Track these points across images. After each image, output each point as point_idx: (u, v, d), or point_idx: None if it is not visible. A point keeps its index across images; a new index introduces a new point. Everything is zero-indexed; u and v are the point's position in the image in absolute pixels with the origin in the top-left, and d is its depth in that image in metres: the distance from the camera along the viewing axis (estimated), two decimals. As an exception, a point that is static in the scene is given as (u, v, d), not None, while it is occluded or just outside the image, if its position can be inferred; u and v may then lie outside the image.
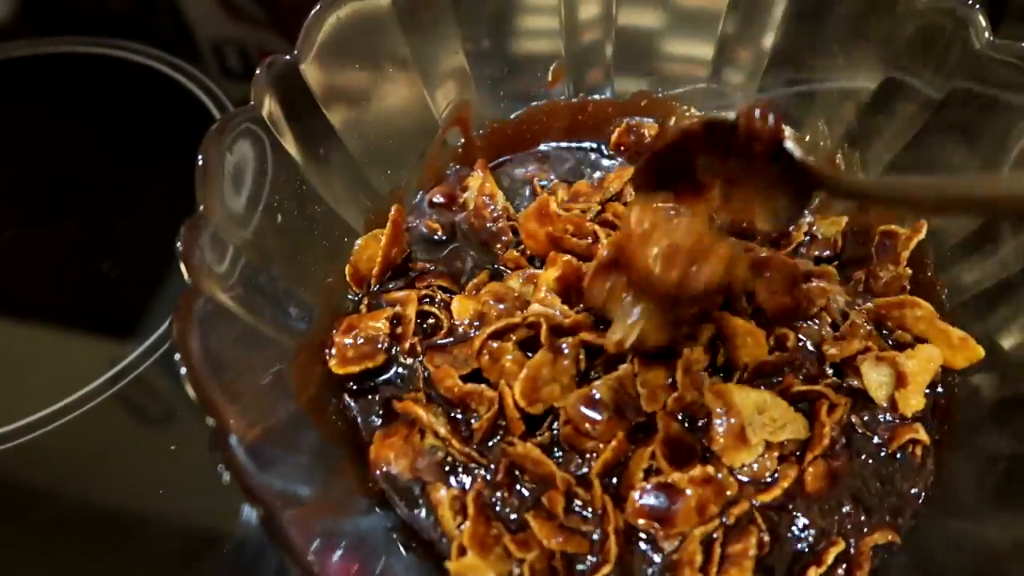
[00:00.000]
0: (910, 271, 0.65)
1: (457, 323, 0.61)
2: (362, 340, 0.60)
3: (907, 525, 0.55)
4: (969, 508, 0.55)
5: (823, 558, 0.51)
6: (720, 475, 0.53)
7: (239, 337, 0.51)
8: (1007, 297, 0.60)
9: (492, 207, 0.70)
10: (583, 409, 0.54)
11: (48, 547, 0.64)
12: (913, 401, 0.57)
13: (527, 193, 0.75)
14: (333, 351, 0.59)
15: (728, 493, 0.53)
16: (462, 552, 0.49)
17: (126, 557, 0.63)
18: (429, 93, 0.73)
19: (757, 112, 0.51)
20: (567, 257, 0.61)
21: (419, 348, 0.60)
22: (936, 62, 0.66)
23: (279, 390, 0.53)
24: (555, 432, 0.55)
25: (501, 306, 0.61)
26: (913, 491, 0.56)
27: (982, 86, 0.63)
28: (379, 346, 0.60)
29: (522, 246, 0.68)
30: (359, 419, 0.59)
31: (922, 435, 0.57)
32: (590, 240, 0.65)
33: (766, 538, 0.51)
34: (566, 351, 0.56)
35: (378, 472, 0.54)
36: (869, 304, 0.64)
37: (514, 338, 0.57)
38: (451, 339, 0.60)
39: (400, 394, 0.59)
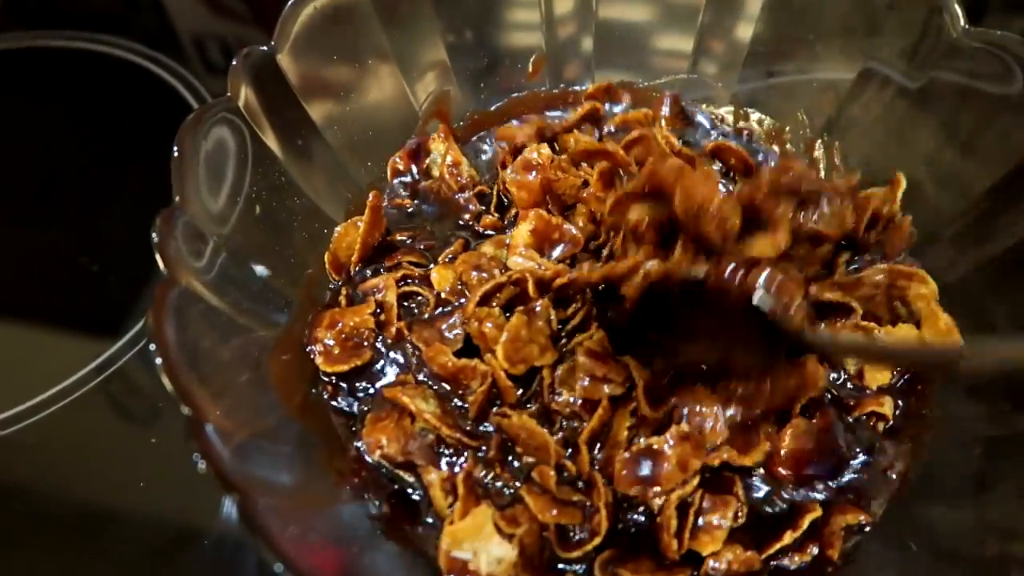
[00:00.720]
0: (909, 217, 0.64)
1: (440, 294, 0.62)
2: (346, 336, 0.60)
3: (883, 507, 0.55)
4: (947, 491, 0.55)
5: (799, 523, 0.51)
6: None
7: (216, 328, 0.51)
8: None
9: (459, 177, 0.70)
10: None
11: (26, 542, 0.64)
12: (879, 376, 0.59)
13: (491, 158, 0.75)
14: (318, 348, 0.59)
15: (707, 445, 0.54)
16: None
17: (105, 553, 0.63)
18: (409, 85, 0.73)
19: (727, 271, 0.50)
20: (537, 211, 0.63)
21: (405, 332, 0.60)
22: (912, 52, 0.66)
23: (257, 381, 0.53)
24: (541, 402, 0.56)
25: (482, 274, 0.61)
26: (885, 469, 0.56)
27: (958, 75, 0.64)
28: (365, 343, 0.60)
29: (494, 214, 0.68)
30: (344, 409, 0.58)
31: (886, 409, 0.57)
32: (581, 182, 0.65)
33: (743, 510, 0.52)
34: (539, 310, 0.57)
35: (370, 456, 0.54)
36: (885, 265, 0.63)
37: (499, 298, 0.58)
38: (437, 311, 0.61)
39: (386, 381, 0.59)
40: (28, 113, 1.00)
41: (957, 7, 0.62)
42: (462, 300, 0.61)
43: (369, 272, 0.65)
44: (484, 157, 0.75)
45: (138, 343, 0.74)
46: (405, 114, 0.73)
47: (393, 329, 0.60)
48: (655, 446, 0.53)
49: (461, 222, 0.69)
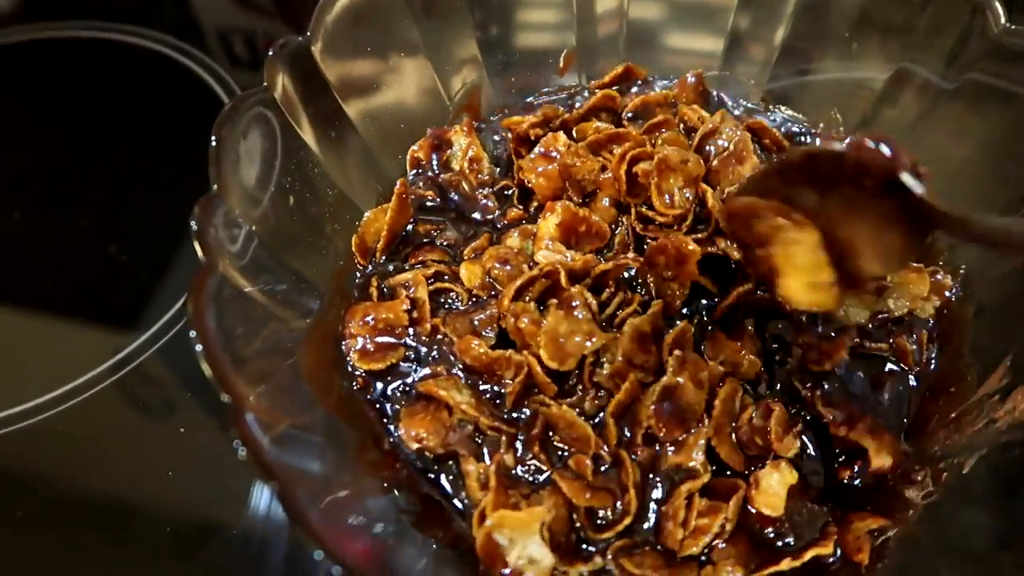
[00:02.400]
0: None
1: (472, 291, 0.61)
2: (379, 331, 0.59)
3: (912, 511, 0.54)
4: (976, 495, 0.55)
5: (802, 555, 0.51)
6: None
7: (251, 317, 0.51)
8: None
9: (479, 173, 0.70)
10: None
11: (49, 534, 0.64)
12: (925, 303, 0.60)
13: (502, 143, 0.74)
14: (352, 343, 0.59)
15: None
16: (481, 520, 0.50)
17: (129, 545, 0.63)
18: (440, 79, 0.73)
19: (870, 143, 0.46)
20: (565, 203, 0.62)
21: (441, 327, 0.59)
22: (951, 52, 0.66)
23: (289, 371, 0.53)
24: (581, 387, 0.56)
25: (507, 267, 0.61)
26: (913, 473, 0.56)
27: (996, 77, 0.63)
28: (398, 339, 0.60)
29: (518, 206, 0.68)
30: (376, 402, 0.58)
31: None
32: (600, 167, 0.65)
33: (730, 525, 0.52)
34: (576, 304, 0.56)
35: (409, 449, 0.54)
36: None
37: (532, 292, 0.58)
38: (470, 304, 0.61)
39: (419, 376, 0.59)
40: (53, 102, 1.01)
41: (998, 5, 0.61)
42: (493, 293, 0.61)
43: (395, 264, 0.65)
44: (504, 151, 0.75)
45: (161, 338, 0.74)
46: (436, 108, 0.73)
47: (428, 325, 0.59)
48: (668, 383, 0.54)
49: (484, 217, 0.68)
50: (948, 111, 0.67)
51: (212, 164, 0.51)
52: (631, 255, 0.61)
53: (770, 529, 0.53)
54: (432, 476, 0.55)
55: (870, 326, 0.61)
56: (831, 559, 0.51)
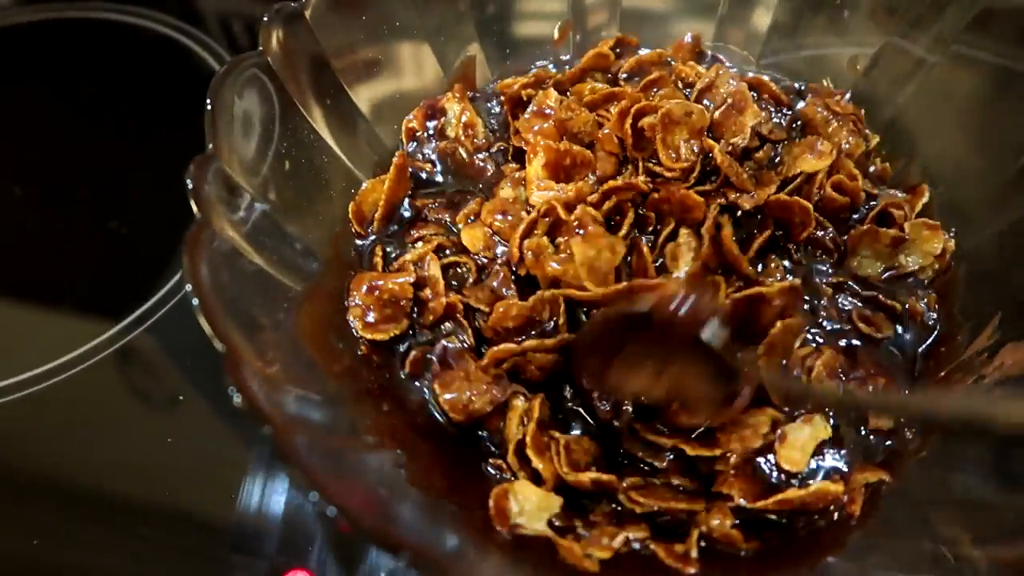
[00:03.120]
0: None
1: (476, 258, 0.62)
2: (384, 302, 0.60)
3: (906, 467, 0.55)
4: (969, 457, 0.55)
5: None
6: None
7: (248, 277, 0.52)
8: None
9: (475, 138, 0.70)
10: None
11: (37, 519, 0.64)
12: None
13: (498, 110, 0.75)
14: (356, 313, 0.59)
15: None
16: (519, 450, 0.53)
17: (120, 537, 0.63)
18: (435, 49, 0.74)
19: (673, 303, 0.49)
20: (545, 143, 0.63)
21: (459, 303, 0.59)
22: (935, 21, 0.66)
23: (286, 332, 0.54)
24: None
25: (509, 217, 0.61)
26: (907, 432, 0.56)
27: (982, 49, 0.64)
28: (404, 312, 0.60)
29: (512, 164, 0.68)
30: (380, 370, 0.59)
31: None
32: (594, 118, 0.65)
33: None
34: (589, 227, 0.57)
35: (458, 418, 0.55)
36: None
37: (538, 235, 0.59)
38: (481, 276, 0.62)
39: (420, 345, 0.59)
40: (54, 85, 1.01)
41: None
42: (501, 250, 0.61)
43: (395, 238, 0.66)
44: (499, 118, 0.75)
45: (160, 310, 0.74)
46: (432, 78, 0.74)
47: (443, 300, 0.59)
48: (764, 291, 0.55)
49: (484, 181, 0.69)
50: (938, 79, 0.67)
51: (207, 123, 0.51)
52: (641, 177, 0.62)
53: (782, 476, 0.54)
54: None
55: (883, 278, 0.62)
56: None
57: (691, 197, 0.58)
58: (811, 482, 0.52)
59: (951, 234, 0.63)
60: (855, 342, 0.60)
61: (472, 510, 0.51)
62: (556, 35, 0.79)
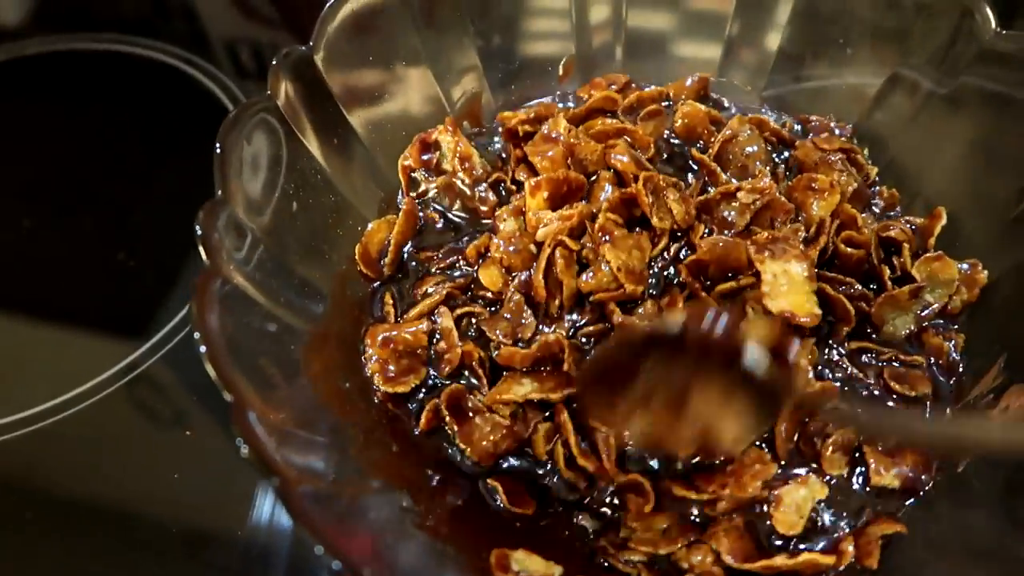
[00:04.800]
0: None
1: (498, 293, 0.63)
2: (401, 354, 0.60)
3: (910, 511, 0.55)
4: (976, 495, 0.55)
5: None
6: None
7: (255, 319, 0.52)
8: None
9: (473, 169, 0.69)
10: None
11: (56, 536, 0.64)
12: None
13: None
14: (376, 368, 0.60)
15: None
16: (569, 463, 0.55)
17: (132, 551, 0.63)
18: (441, 87, 0.74)
19: (707, 320, 0.44)
20: (543, 177, 0.62)
21: (475, 353, 0.60)
22: (942, 56, 0.67)
23: (293, 373, 0.54)
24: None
25: (515, 250, 0.62)
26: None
27: (988, 81, 0.64)
28: (421, 361, 0.61)
29: (518, 193, 0.67)
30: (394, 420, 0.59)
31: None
32: (602, 147, 0.65)
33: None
34: (613, 232, 0.59)
35: (485, 464, 0.56)
36: None
37: (559, 267, 0.60)
38: (492, 309, 0.63)
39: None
40: (62, 113, 1.02)
41: (988, 10, 0.62)
42: (514, 280, 0.62)
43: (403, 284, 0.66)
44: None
45: (167, 343, 0.75)
46: (437, 116, 0.74)
47: (458, 350, 0.60)
48: None
49: (484, 222, 0.69)
50: (942, 114, 0.67)
51: (216, 169, 0.52)
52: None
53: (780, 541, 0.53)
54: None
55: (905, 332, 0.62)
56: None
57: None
58: (802, 547, 0.51)
59: (981, 267, 0.62)
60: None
61: (477, 554, 0.51)
62: (561, 71, 0.80)
